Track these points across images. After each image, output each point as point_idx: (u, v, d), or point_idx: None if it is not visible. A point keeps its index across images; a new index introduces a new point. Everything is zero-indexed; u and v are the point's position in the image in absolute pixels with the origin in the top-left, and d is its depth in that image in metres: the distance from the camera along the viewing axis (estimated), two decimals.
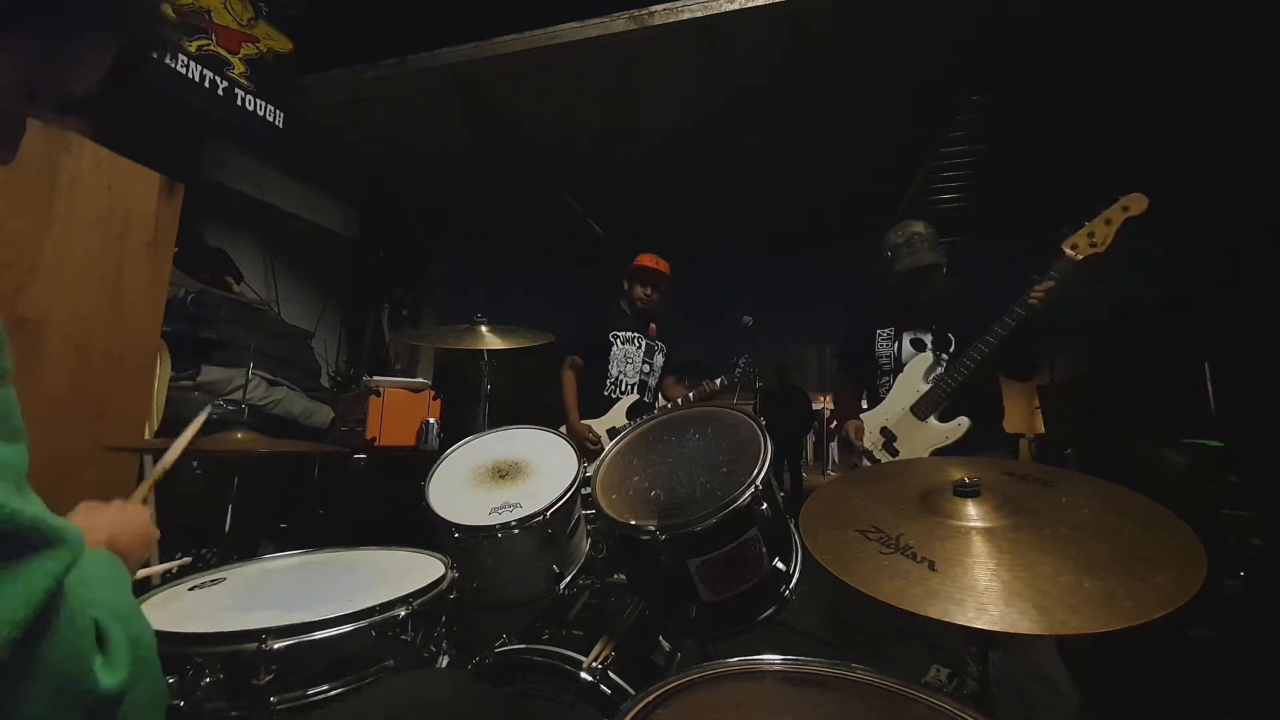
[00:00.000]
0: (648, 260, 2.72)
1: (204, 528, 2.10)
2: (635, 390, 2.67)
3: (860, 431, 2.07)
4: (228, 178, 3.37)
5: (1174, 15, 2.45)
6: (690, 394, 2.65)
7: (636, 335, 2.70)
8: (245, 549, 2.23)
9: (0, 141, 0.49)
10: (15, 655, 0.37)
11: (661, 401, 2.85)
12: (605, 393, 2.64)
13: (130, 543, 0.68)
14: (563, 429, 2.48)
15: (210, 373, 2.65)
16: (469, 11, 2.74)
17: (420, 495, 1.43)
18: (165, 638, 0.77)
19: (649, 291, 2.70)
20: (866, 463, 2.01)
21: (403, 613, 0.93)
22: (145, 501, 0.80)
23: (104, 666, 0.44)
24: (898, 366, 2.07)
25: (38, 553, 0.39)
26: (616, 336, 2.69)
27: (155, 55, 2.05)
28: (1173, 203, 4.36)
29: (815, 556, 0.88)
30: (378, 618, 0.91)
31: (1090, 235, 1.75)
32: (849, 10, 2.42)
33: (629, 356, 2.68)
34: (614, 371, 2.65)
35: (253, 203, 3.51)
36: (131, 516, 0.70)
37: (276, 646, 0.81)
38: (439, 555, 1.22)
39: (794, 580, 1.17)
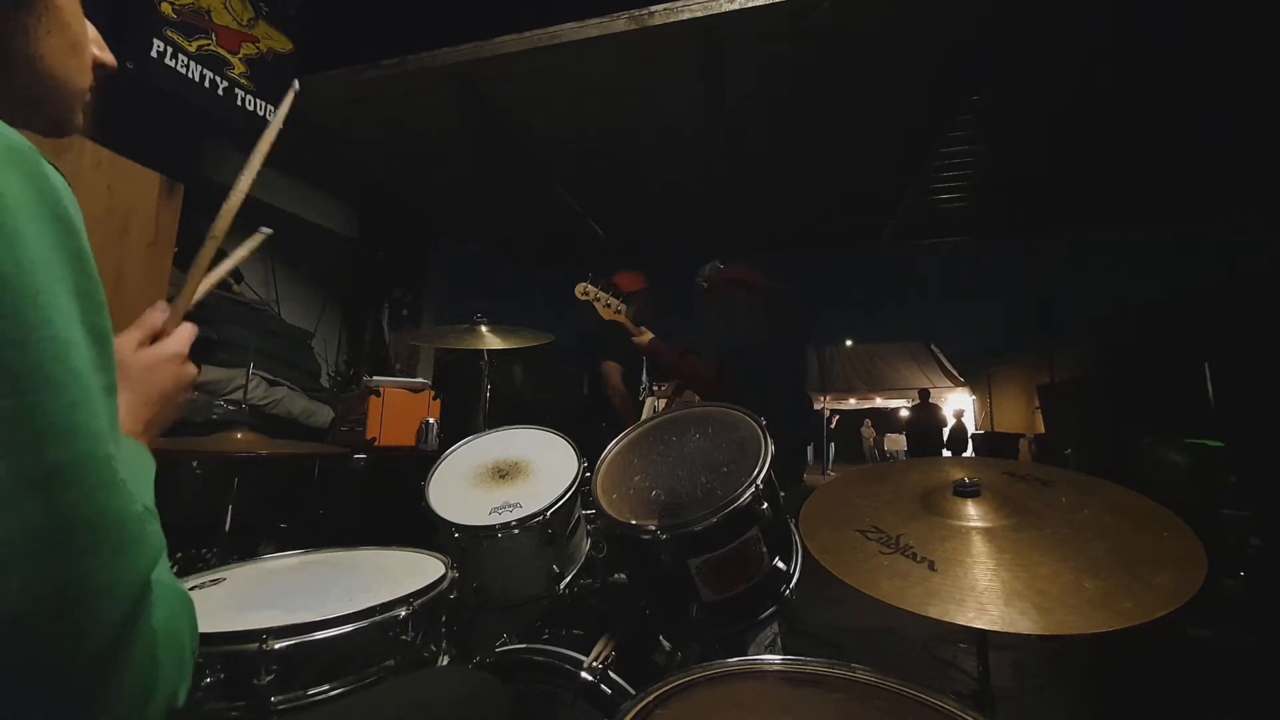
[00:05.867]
0: (625, 284, 2.85)
1: (204, 528, 2.10)
2: (648, 393, 2.95)
3: None
4: (228, 178, 3.33)
5: (1173, 15, 2.45)
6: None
7: None
8: (245, 549, 2.23)
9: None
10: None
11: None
12: (640, 398, 2.92)
13: (159, 409, 0.64)
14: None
15: (210, 373, 2.65)
16: (469, 11, 2.74)
17: (420, 495, 1.43)
18: None
19: (635, 310, 2.92)
20: None
21: (403, 613, 0.93)
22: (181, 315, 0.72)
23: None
24: None
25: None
26: None
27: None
28: (1173, 203, 4.38)
29: (815, 556, 0.88)
30: (378, 618, 0.90)
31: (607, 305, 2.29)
32: (849, 10, 2.42)
33: (645, 364, 3.01)
34: (644, 378, 2.97)
35: (253, 203, 3.49)
36: (157, 372, 0.65)
37: (277, 646, 0.80)
38: (439, 555, 1.22)
39: (794, 580, 1.17)
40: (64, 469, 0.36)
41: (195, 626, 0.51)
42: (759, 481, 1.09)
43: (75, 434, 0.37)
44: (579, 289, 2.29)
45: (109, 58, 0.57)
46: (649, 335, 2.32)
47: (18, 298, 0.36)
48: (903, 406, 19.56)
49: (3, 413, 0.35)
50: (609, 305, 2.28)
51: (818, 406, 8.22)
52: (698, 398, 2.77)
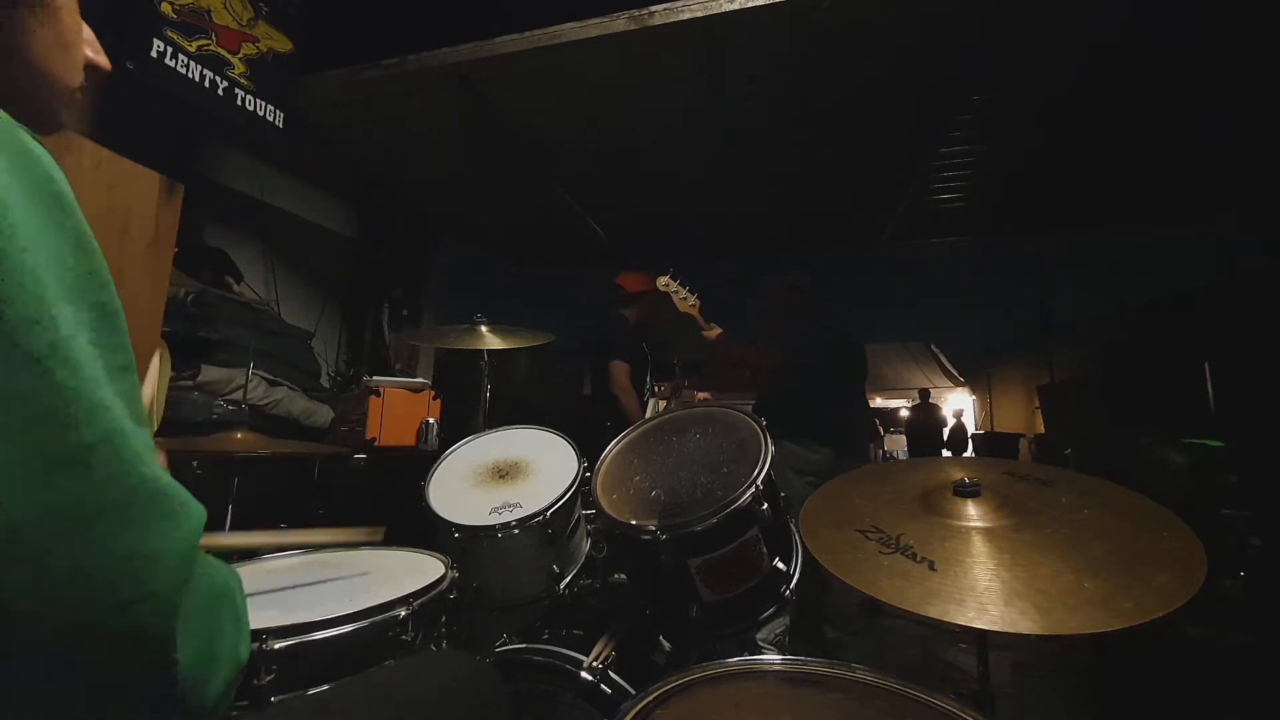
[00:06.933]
0: (630, 284, 2.93)
1: (204, 527, 2.10)
2: (650, 393, 2.97)
3: None
4: (228, 178, 3.37)
5: (1173, 15, 2.45)
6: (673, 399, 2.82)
7: (644, 344, 3.04)
8: (245, 549, 2.23)
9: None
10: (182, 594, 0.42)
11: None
12: (643, 398, 2.93)
13: None
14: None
15: (210, 373, 2.65)
16: (469, 11, 2.74)
17: (420, 495, 1.43)
18: None
19: (638, 311, 2.95)
20: None
21: (403, 613, 0.93)
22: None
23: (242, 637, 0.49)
24: None
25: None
26: (646, 346, 3.00)
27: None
28: (1173, 203, 4.38)
29: (815, 557, 0.88)
30: (378, 618, 0.91)
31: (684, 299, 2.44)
32: (849, 10, 2.42)
33: (649, 364, 3.04)
34: (649, 380, 3.00)
35: (253, 203, 3.51)
36: None
37: (277, 646, 0.81)
38: (439, 555, 1.22)
39: (794, 580, 1.17)
40: (98, 445, 0.37)
41: (240, 585, 0.53)
42: (759, 482, 1.09)
43: (99, 411, 0.38)
44: (660, 281, 2.41)
45: (103, 61, 0.57)
46: (717, 330, 2.41)
47: (21, 278, 0.36)
48: (903, 406, 19.52)
49: (32, 392, 0.35)
50: (685, 299, 2.38)
51: None
52: (699, 396, 2.78)
